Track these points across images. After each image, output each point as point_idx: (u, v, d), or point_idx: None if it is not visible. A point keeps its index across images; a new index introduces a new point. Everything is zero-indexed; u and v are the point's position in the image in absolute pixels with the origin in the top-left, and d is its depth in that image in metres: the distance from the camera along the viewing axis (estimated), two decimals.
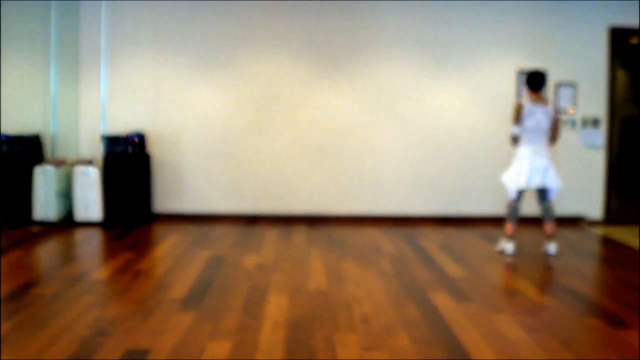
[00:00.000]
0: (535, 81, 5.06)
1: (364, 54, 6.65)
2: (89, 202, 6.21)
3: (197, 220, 6.53)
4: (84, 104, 6.58)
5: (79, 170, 6.19)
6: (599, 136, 6.80)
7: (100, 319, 3.31)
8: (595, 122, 6.80)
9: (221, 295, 3.82)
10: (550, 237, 5.15)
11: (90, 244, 5.52)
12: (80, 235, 5.80)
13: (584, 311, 3.66)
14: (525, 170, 5.00)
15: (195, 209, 6.68)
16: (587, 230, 6.42)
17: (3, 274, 4.23)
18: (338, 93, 6.68)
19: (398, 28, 6.65)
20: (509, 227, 5.13)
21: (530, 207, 6.83)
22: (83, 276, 4.22)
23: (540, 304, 3.74)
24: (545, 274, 4.47)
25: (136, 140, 6.25)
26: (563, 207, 6.81)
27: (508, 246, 5.11)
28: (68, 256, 5.13)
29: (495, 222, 6.43)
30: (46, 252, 5.20)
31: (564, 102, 6.78)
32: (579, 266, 4.79)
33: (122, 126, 6.46)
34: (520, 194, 5.14)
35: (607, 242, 5.94)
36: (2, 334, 3.05)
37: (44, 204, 5.97)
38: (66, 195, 6.33)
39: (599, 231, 6.37)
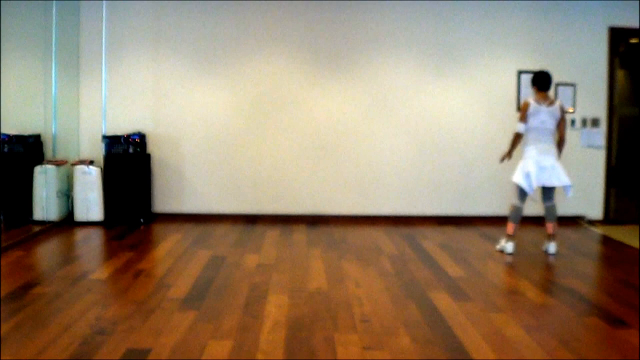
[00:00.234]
0: (542, 81, 5.07)
1: (364, 55, 6.65)
2: (90, 202, 6.22)
3: (197, 220, 6.53)
4: (85, 104, 6.59)
5: (80, 170, 6.20)
6: (599, 136, 6.80)
7: (101, 319, 3.32)
8: (595, 122, 6.80)
9: (221, 294, 3.83)
10: (550, 236, 5.15)
11: (90, 243, 5.52)
12: (80, 235, 5.81)
13: (584, 311, 3.66)
14: (533, 170, 5.00)
15: (195, 209, 6.68)
16: (587, 230, 6.42)
17: (3, 273, 4.24)
18: (338, 93, 6.68)
19: (398, 28, 6.65)
20: (511, 226, 5.13)
21: (530, 207, 6.84)
22: (83, 276, 4.22)
23: (540, 303, 3.74)
24: (546, 274, 4.48)
25: (137, 140, 6.26)
26: (563, 206, 6.81)
27: (508, 245, 5.12)
28: (68, 256, 5.14)
29: (496, 221, 6.44)
30: (47, 252, 5.21)
31: (564, 102, 6.78)
32: (579, 266, 4.79)
33: (122, 126, 6.47)
34: (526, 196, 5.13)
35: (607, 241, 5.94)
36: (2, 333, 3.05)
37: (45, 204, 5.98)
38: (67, 195, 6.34)
39: (599, 231, 6.37)
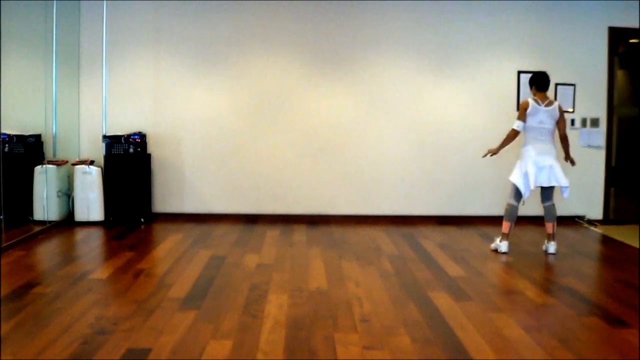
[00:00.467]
0: (541, 81, 5.08)
1: (364, 55, 6.65)
2: (90, 202, 6.22)
3: (197, 219, 6.54)
4: (85, 104, 6.59)
5: (80, 170, 6.20)
6: (599, 136, 6.81)
7: (101, 319, 3.32)
8: (594, 122, 6.80)
9: (222, 294, 3.83)
10: (550, 236, 5.15)
11: (91, 243, 5.53)
12: (81, 234, 5.81)
13: (583, 310, 3.66)
14: (532, 170, 5.00)
15: (195, 209, 6.69)
16: (587, 230, 6.42)
17: (4, 273, 4.24)
18: (338, 93, 6.69)
19: (398, 29, 6.66)
20: (506, 225, 5.13)
21: (530, 207, 6.84)
22: (84, 276, 4.23)
23: (540, 303, 3.75)
24: (545, 274, 4.48)
25: (137, 140, 6.26)
26: (563, 206, 6.81)
27: (502, 244, 5.11)
28: (69, 256, 5.14)
29: (495, 221, 6.43)
30: (47, 252, 5.21)
31: (564, 102, 6.78)
32: (579, 265, 4.79)
33: (122, 126, 6.47)
34: (521, 196, 5.13)
35: (607, 241, 5.94)
36: (2, 333, 3.06)
37: (45, 204, 5.98)
38: (67, 195, 6.34)
39: (598, 230, 6.37)
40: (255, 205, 6.71)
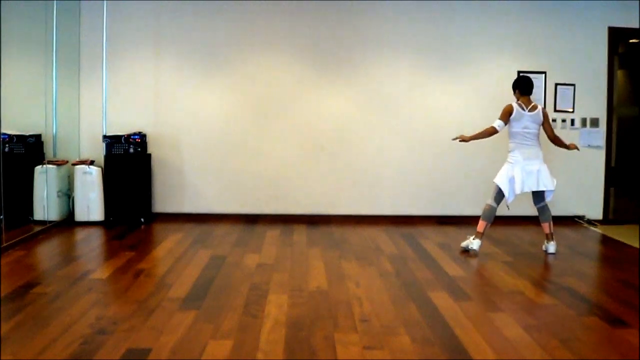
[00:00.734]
0: (524, 85, 5.08)
1: (363, 55, 6.66)
2: (90, 202, 6.22)
3: (197, 219, 6.54)
4: (85, 104, 6.59)
5: (80, 170, 6.20)
6: (599, 136, 6.81)
7: (101, 319, 3.32)
8: (594, 122, 6.80)
9: (222, 294, 3.83)
10: (549, 236, 5.15)
11: (91, 243, 5.53)
12: (81, 234, 5.81)
13: (583, 310, 3.67)
14: (519, 176, 4.98)
15: (195, 209, 6.69)
16: (587, 230, 6.42)
17: (4, 273, 4.24)
18: (338, 93, 6.69)
19: (399, 29, 6.66)
20: (482, 225, 5.10)
21: (529, 207, 6.84)
22: (84, 276, 4.23)
23: (539, 303, 3.75)
24: (545, 274, 4.48)
25: (137, 140, 6.27)
26: (563, 206, 6.82)
27: (475, 242, 5.08)
28: (69, 256, 5.14)
29: (495, 221, 6.42)
30: (47, 252, 5.21)
31: (564, 102, 6.79)
32: (579, 265, 4.79)
33: (122, 126, 6.47)
34: (502, 197, 5.11)
35: (606, 241, 5.95)
36: (3, 333, 3.06)
37: (45, 204, 5.98)
38: (67, 195, 6.35)
39: (598, 230, 6.37)
40: (255, 205, 6.71)
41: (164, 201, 6.68)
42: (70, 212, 6.35)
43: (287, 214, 6.68)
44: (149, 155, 6.49)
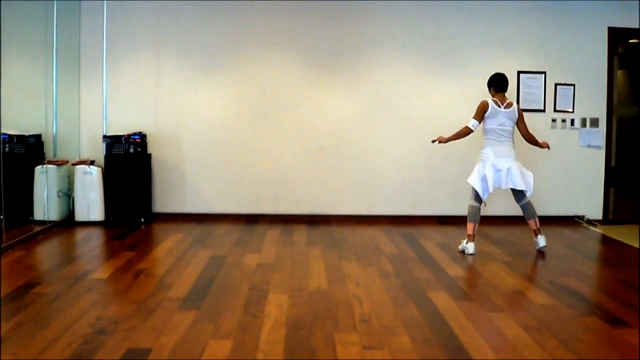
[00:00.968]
0: (499, 82, 5.08)
1: (364, 55, 6.66)
2: (90, 202, 6.23)
3: (197, 219, 6.54)
4: (85, 104, 6.60)
5: (80, 170, 6.21)
6: (599, 136, 6.81)
7: (101, 319, 3.32)
8: (594, 122, 6.80)
9: (222, 294, 3.83)
10: (536, 232, 5.14)
11: (91, 243, 5.53)
12: (81, 234, 5.81)
13: (583, 310, 3.67)
14: (489, 173, 4.98)
15: (195, 209, 6.69)
16: (587, 230, 6.42)
17: (4, 273, 4.24)
18: (338, 93, 6.69)
19: (398, 30, 6.66)
20: (470, 227, 5.08)
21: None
22: (84, 275, 4.23)
23: (539, 303, 3.75)
24: (545, 274, 4.48)
25: (137, 140, 6.27)
26: (563, 206, 6.83)
27: (469, 246, 5.06)
28: (69, 256, 5.14)
29: (495, 221, 6.44)
30: (47, 252, 5.21)
31: (564, 102, 6.79)
32: (579, 265, 4.79)
33: (123, 126, 6.47)
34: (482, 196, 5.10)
35: (606, 241, 5.94)
36: (3, 333, 3.06)
37: (46, 204, 5.99)
38: (67, 195, 6.35)
39: (598, 230, 6.37)
40: (255, 205, 6.71)
41: (164, 201, 6.69)
42: (70, 212, 6.35)
43: (287, 214, 6.68)
44: (149, 155, 6.49)
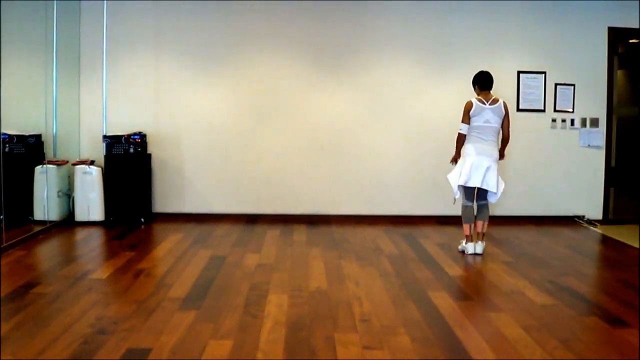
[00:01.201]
0: (482, 80, 5.06)
1: (364, 55, 6.66)
2: (90, 202, 6.22)
3: (197, 219, 6.54)
4: (85, 104, 6.60)
5: (80, 170, 6.21)
6: (599, 136, 6.81)
7: (101, 318, 3.32)
8: (594, 122, 6.80)
9: (222, 294, 3.83)
10: (480, 235, 5.05)
11: (91, 243, 5.53)
12: (81, 234, 5.81)
13: (583, 310, 3.67)
14: (467, 168, 4.94)
15: (195, 209, 6.69)
16: (587, 230, 6.42)
17: (4, 273, 4.24)
18: (338, 93, 6.69)
19: (399, 28, 6.66)
20: (466, 227, 5.06)
21: (529, 207, 6.85)
22: (84, 275, 4.23)
23: (539, 303, 3.75)
24: (545, 274, 4.48)
25: (137, 140, 6.27)
26: (563, 206, 6.83)
27: (468, 246, 5.05)
28: (69, 256, 5.15)
29: (495, 222, 6.44)
30: (47, 252, 5.21)
31: (563, 102, 6.79)
32: (579, 265, 4.79)
33: (123, 126, 6.47)
34: (472, 194, 5.07)
35: (606, 241, 5.94)
36: (3, 333, 3.06)
37: (46, 204, 5.98)
38: (67, 195, 6.35)
39: (598, 230, 6.37)
40: (255, 205, 6.71)
41: (164, 201, 6.68)
42: (70, 212, 6.35)
43: (287, 214, 6.68)
44: (149, 155, 6.49)
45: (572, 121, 6.79)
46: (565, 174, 6.82)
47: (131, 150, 6.27)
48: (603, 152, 6.83)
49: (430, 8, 6.65)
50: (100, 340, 3.00)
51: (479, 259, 4.94)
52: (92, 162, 6.29)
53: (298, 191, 6.72)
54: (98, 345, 2.92)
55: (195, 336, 3.08)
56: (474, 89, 5.15)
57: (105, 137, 6.31)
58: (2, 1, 4.96)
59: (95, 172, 6.24)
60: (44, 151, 6.17)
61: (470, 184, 4.98)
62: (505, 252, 5.20)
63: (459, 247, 5.18)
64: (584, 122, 6.80)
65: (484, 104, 4.98)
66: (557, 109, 6.77)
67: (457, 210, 6.75)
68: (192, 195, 6.70)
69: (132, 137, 6.26)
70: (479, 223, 5.06)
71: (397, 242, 5.54)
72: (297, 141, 6.70)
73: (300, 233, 5.94)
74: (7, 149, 5.83)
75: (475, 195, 5.13)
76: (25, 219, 5.93)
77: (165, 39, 6.58)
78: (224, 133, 6.66)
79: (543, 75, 6.73)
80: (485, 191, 5.07)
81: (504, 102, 5.04)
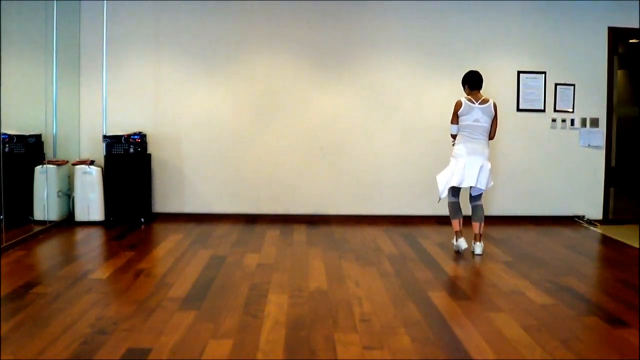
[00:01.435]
0: (472, 80, 5.03)
1: (364, 55, 6.66)
2: (90, 202, 6.22)
3: (197, 219, 6.54)
4: (85, 104, 6.60)
5: (80, 170, 6.20)
6: (599, 136, 6.80)
7: (101, 318, 3.32)
8: (594, 122, 6.80)
9: (222, 294, 3.83)
10: (477, 236, 5.05)
11: (91, 243, 5.53)
12: (81, 234, 5.81)
13: (583, 310, 3.67)
14: (460, 169, 4.92)
15: (195, 209, 6.69)
16: (587, 230, 6.42)
17: (4, 273, 4.24)
18: (338, 93, 6.69)
19: (398, 29, 6.66)
20: (455, 223, 5.07)
21: (529, 207, 6.85)
22: (84, 275, 4.23)
23: (539, 303, 3.75)
24: (545, 274, 4.48)
25: (137, 140, 6.27)
26: (563, 206, 6.83)
27: (460, 242, 5.04)
28: (69, 256, 5.14)
29: (495, 222, 6.44)
30: (47, 252, 5.21)
31: (563, 102, 6.79)
32: (579, 265, 4.79)
33: (122, 126, 6.47)
34: (458, 190, 5.07)
35: (606, 241, 5.94)
36: (3, 333, 3.06)
37: (45, 204, 5.98)
38: (67, 195, 6.35)
39: (598, 230, 6.37)
40: (255, 205, 6.71)
41: (164, 201, 6.68)
42: (70, 212, 6.35)
43: (287, 214, 6.68)
44: (149, 155, 6.49)
45: (572, 121, 6.79)
46: (565, 174, 6.82)
47: (131, 150, 6.27)
48: (603, 152, 6.83)
49: (430, 8, 6.65)
50: (100, 340, 3.00)
51: (478, 259, 4.94)
52: (92, 162, 6.29)
53: (298, 191, 6.72)
54: (98, 345, 2.92)
55: (195, 336, 3.08)
56: (464, 88, 5.12)
57: (105, 137, 6.30)
58: (2, 1, 4.96)
59: (95, 172, 6.24)
60: (44, 151, 6.17)
61: (465, 185, 4.98)
62: (505, 252, 5.20)
63: (454, 247, 5.17)
64: (584, 122, 6.80)
65: (474, 103, 4.96)
66: (557, 109, 6.77)
67: None
68: (192, 195, 6.70)
69: (132, 137, 6.26)
70: (475, 224, 5.06)
71: (397, 242, 5.54)
72: (297, 141, 6.69)
73: (300, 233, 5.94)
74: (7, 149, 5.83)
75: (469, 196, 5.13)
76: (25, 219, 5.93)
77: (165, 39, 6.58)
78: (224, 133, 6.66)
79: (543, 75, 6.73)
80: (479, 192, 5.06)
81: (493, 103, 5.02)
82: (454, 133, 5.08)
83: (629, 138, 7.38)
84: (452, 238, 5.21)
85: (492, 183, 5.11)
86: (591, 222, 6.70)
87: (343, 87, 6.68)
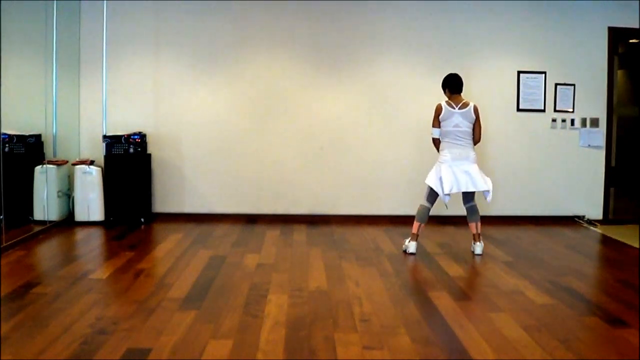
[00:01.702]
0: (452, 83, 4.97)
1: (364, 55, 6.66)
2: (90, 202, 6.22)
3: (197, 219, 6.54)
4: (85, 104, 6.60)
5: (80, 170, 6.20)
6: (599, 136, 6.80)
7: (101, 319, 3.32)
8: (594, 122, 6.80)
9: (222, 294, 3.83)
10: (475, 237, 5.03)
11: (91, 243, 5.53)
12: (81, 234, 5.81)
13: (583, 310, 3.67)
14: (449, 177, 4.83)
15: (195, 209, 6.69)
16: (587, 230, 6.42)
17: (4, 273, 4.24)
18: (338, 93, 6.69)
19: (398, 29, 6.66)
20: (416, 226, 5.04)
21: (529, 207, 6.85)
22: (84, 276, 4.23)
23: (539, 303, 3.75)
24: (545, 274, 4.48)
25: (137, 140, 6.27)
26: (563, 206, 6.83)
27: (410, 245, 5.02)
28: (69, 256, 5.14)
29: (496, 222, 6.45)
30: (47, 252, 5.21)
31: (563, 102, 6.79)
32: (579, 265, 4.79)
33: (122, 126, 6.47)
34: (435, 197, 5.01)
35: (607, 241, 5.94)
36: (3, 333, 3.06)
37: (45, 204, 5.98)
38: (67, 195, 6.35)
39: (598, 230, 6.37)
40: (255, 205, 6.71)
41: (164, 201, 6.68)
42: (70, 212, 6.35)
43: (287, 214, 6.68)
44: (149, 155, 6.49)
45: (572, 121, 6.79)
46: (565, 174, 6.82)
47: (131, 150, 6.27)
48: (603, 152, 6.83)
49: (430, 8, 6.65)
50: (100, 340, 2.99)
51: (478, 259, 4.94)
52: (92, 162, 6.29)
53: (298, 191, 6.72)
54: (98, 345, 2.92)
55: (195, 336, 3.08)
56: (444, 92, 5.06)
57: (105, 137, 6.30)
58: (2, 1, 4.96)
59: (95, 172, 6.24)
60: (44, 151, 6.17)
61: (463, 189, 4.88)
62: (505, 252, 5.20)
63: (403, 247, 5.13)
64: (584, 122, 6.80)
65: (454, 108, 4.90)
66: (557, 109, 6.77)
67: (456, 210, 6.77)
68: (192, 195, 6.70)
69: (132, 137, 6.26)
70: (472, 225, 5.04)
71: (397, 242, 5.53)
72: (297, 141, 6.69)
73: (300, 233, 5.94)
74: (7, 149, 5.83)
75: (463, 198, 5.06)
76: (25, 219, 5.93)
77: (165, 39, 6.58)
78: (224, 133, 6.65)
79: (543, 75, 6.73)
80: (470, 194, 5.00)
81: (474, 106, 4.93)
82: (436, 136, 5.00)
83: (629, 138, 7.38)
84: (406, 239, 5.17)
85: (489, 179, 5.05)
86: (591, 222, 6.70)
87: (343, 87, 6.68)
